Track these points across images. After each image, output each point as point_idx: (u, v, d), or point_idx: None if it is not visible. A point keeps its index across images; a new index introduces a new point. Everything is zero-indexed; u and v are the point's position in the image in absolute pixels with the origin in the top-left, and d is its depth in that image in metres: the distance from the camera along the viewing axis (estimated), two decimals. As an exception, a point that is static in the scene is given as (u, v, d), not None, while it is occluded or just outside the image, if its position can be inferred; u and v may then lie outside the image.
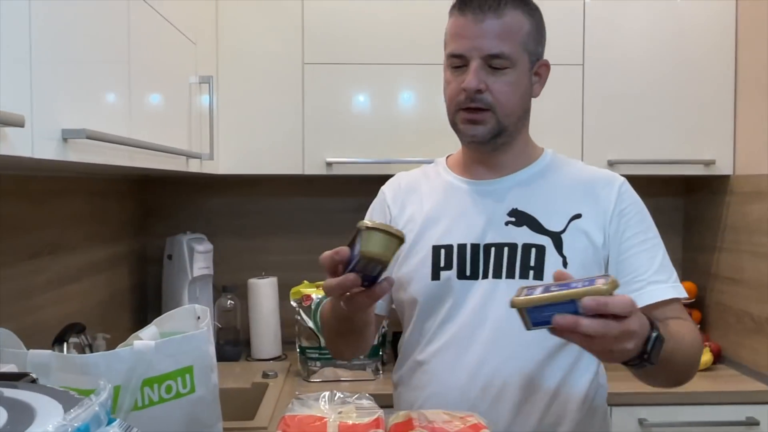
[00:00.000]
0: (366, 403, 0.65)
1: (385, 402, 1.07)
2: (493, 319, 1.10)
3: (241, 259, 2.31)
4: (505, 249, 1.12)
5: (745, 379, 1.95)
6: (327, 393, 0.67)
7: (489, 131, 1.12)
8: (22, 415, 0.51)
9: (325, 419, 0.63)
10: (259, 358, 2.13)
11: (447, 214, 1.17)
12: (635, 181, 2.44)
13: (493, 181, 1.19)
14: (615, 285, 0.79)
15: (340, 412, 0.64)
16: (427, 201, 1.20)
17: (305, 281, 2.02)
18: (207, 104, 1.78)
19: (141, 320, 2.13)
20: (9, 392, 0.59)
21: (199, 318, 1.04)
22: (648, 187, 2.36)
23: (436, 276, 1.14)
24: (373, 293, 0.90)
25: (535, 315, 0.81)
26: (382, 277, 0.90)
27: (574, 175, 1.20)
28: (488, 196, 1.17)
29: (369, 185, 2.37)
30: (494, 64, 1.10)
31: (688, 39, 2.07)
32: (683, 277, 2.37)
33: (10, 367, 0.81)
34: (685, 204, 2.40)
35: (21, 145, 0.78)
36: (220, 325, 2.12)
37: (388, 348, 2.09)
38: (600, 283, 0.79)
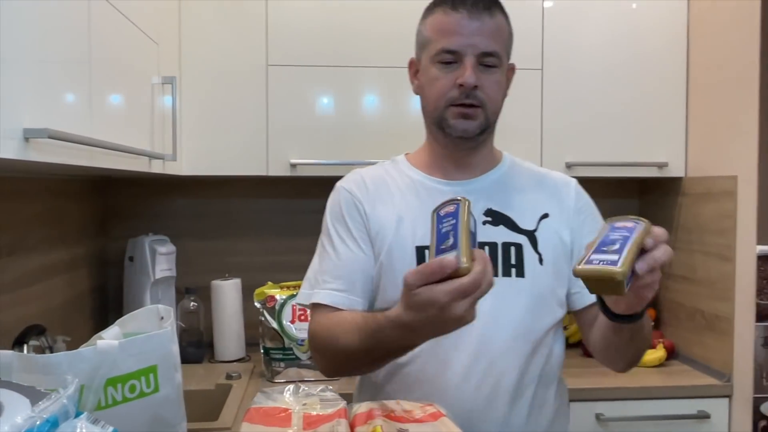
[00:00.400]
0: (330, 395, 0.67)
1: (350, 399, 1.09)
2: (481, 316, 1.10)
3: (205, 261, 2.30)
4: (486, 248, 1.13)
5: (697, 374, 2.02)
6: (291, 386, 0.68)
7: (478, 127, 1.14)
8: (-11, 410, 0.52)
9: (289, 410, 0.64)
10: (222, 360, 2.12)
11: (422, 214, 1.13)
12: (592, 182, 2.50)
13: (466, 181, 1.20)
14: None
15: (304, 404, 0.65)
16: (400, 199, 1.18)
17: (269, 282, 2.02)
18: (170, 105, 1.77)
19: (102, 323, 2.11)
20: (-27, 390, 0.59)
21: (162, 318, 1.03)
22: (604, 188, 2.42)
23: None
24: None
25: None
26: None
27: (534, 177, 1.25)
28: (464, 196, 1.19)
29: (333, 187, 2.39)
30: (486, 62, 1.12)
31: (642, 45, 2.14)
32: (639, 276, 2.44)
33: (-29, 368, 0.80)
34: (639, 205, 2.48)
35: (-18, 144, 0.77)
36: (183, 325, 2.10)
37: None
38: (637, 226, 0.85)
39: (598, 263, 0.80)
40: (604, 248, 0.82)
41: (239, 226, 2.34)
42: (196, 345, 2.14)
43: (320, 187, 2.29)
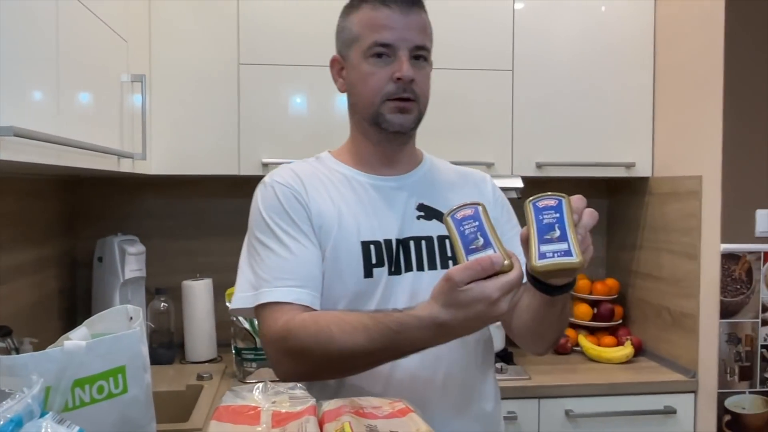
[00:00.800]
0: (299, 392, 0.67)
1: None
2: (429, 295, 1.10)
3: (175, 261, 2.28)
4: (423, 242, 1.15)
5: (664, 370, 2.06)
6: (261, 384, 0.68)
7: (413, 121, 1.15)
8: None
9: (258, 408, 0.64)
10: (193, 361, 2.11)
11: (363, 209, 1.15)
12: (562, 182, 2.54)
13: (397, 177, 1.20)
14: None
15: (273, 402, 0.65)
16: (336, 194, 1.16)
17: (241, 282, 2.01)
18: (139, 103, 1.75)
19: (70, 325, 2.08)
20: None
21: (131, 318, 1.02)
22: (574, 188, 2.45)
23: (368, 273, 1.11)
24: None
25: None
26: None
27: (454, 173, 1.28)
28: (397, 192, 1.18)
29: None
30: (418, 57, 1.13)
31: (610, 48, 2.17)
32: (606, 274, 2.48)
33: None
34: (608, 205, 2.52)
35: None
36: (153, 326, 2.08)
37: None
38: (560, 203, 0.90)
39: (554, 256, 0.83)
40: (547, 237, 0.85)
41: (210, 225, 2.33)
42: (167, 346, 2.12)
43: (292, 186, 2.30)
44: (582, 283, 2.35)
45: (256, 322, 1.91)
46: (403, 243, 1.14)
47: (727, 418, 1.88)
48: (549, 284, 0.95)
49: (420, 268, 1.14)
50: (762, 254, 1.87)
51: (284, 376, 1.05)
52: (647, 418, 1.94)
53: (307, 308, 1.07)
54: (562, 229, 0.85)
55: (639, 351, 2.20)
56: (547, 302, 1.00)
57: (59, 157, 1.20)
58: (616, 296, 2.34)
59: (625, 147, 2.19)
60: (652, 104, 2.20)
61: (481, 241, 0.86)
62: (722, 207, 1.86)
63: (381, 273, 1.12)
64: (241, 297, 1.12)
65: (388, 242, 1.13)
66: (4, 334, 1.32)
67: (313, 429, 0.61)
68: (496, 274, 0.84)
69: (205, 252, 2.31)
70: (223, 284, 2.05)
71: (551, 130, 2.15)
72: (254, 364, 1.93)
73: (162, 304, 2.14)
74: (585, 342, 2.22)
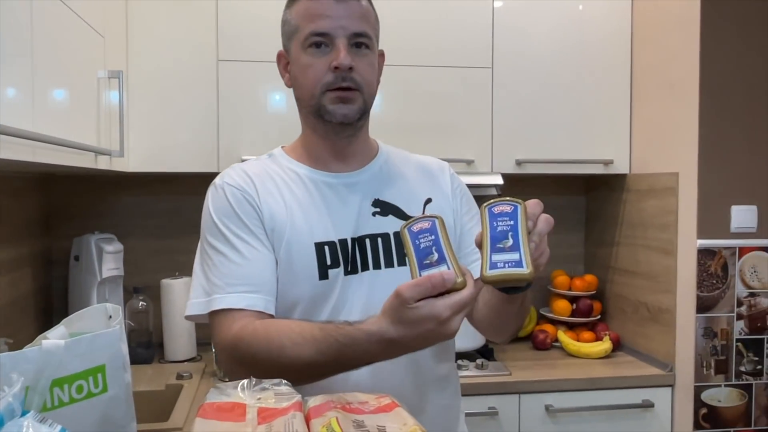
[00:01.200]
0: (284, 388, 0.66)
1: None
2: (381, 308, 1.07)
3: (154, 260, 2.25)
4: (379, 239, 1.13)
5: (642, 364, 2.09)
6: (245, 381, 0.68)
7: (357, 111, 1.11)
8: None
9: (244, 405, 0.63)
10: (173, 360, 2.09)
11: (316, 209, 1.12)
12: (542, 179, 2.55)
13: (351, 173, 1.17)
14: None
15: (259, 398, 0.65)
16: (288, 194, 1.13)
17: (221, 280, 1.99)
18: (117, 100, 1.73)
19: (46, 325, 2.04)
20: None
21: (110, 317, 1.01)
22: (553, 185, 2.50)
23: (324, 275, 1.09)
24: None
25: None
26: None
27: (411, 163, 1.24)
28: (351, 189, 1.15)
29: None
30: (358, 44, 1.10)
31: (588, 46, 2.19)
32: (585, 270, 2.51)
33: None
34: (586, 201, 2.54)
35: None
36: (132, 324, 2.06)
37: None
38: (516, 209, 0.89)
39: (504, 266, 0.83)
40: (500, 245, 0.84)
41: (189, 223, 2.28)
42: (146, 345, 2.10)
43: (272, 184, 2.29)
44: (561, 279, 2.37)
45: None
46: (359, 241, 1.12)
47: (704, 411, 1.91)
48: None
49: (377, 266, 1.12)
50: (737, 249, 1.91)
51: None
52: (626, 412, 1.96)
53: (261, 314, 1.05)
54: (515, 237, 0.84)
55: (617, 346, 2.22)
56: (506, 300, 1.00)
57: (34, 153, 1.18)
58: (594, 292, 2.36)
59: (603, 144, 2.21)
60: (630, 102, 2.22)
61: (435, 256, 0.85)
62: (698, 203, 1.89)
63: (336, 274, 1.10)
64: (194, 303, 1.10)
65: (343, 242, 1.11)
66: (-21, 335, 1.29)
67: (300, 425, 0.61)
68: (449, 291, 0.82)
69: (184, 250, 2.27)
70: (203, 283, 2.03)
71: (530, 128, 2.17)
72: (234, 363, 1.91)
73: (140, 303, 2.11)
74: (564, 338, 2.24)
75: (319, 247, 1.09)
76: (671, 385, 1.98)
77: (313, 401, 0.67)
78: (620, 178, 2.27)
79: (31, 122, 1.14)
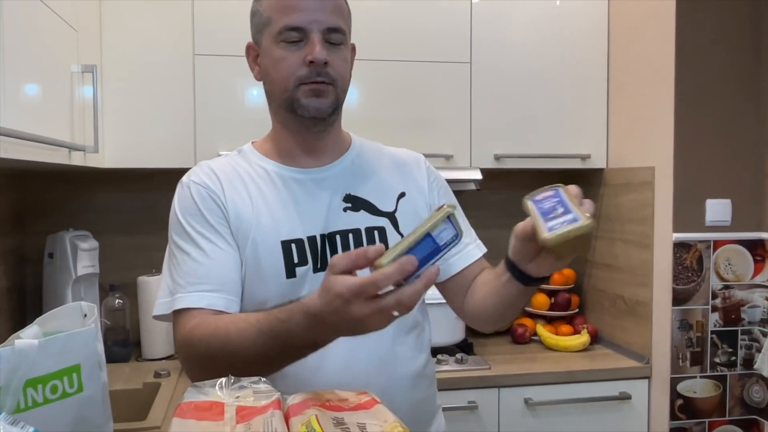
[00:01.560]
0: (263, 386, 0.66)
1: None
2: None
3: (130, 257, 2.23)
4: (350, 235, 1.11)
5: (619, 357, 2.11)
6: (223, 379, 0.67)
7: (330, 105, 1.09)
8: None
9: (222, 404, 0.63)
10: (150, 358, 2.07)
11: (283, 206, 1.10)
12: (520, 174, 2.56)
13: (321, 168, 1.15)
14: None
15: (237, 397, 0.64)
16: (255, 191, 1.11)
17: (198, 277, 1.98)
18: (91, 95, 1.70)
19: (19, 324, 2.01)
20: None
21: (86, 316, 1.00)
22: (532, 180, 2.49)
23: (291, 273, 1.07)
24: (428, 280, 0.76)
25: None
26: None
27: (385, 157, 1.23)
28: (321, 184, 1.13)
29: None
30: (332, 39, 1.08)
31: (565, 42, 2.20)
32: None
33: None
34: (565, 196, 2.55)
35: None
36: (108, 322, 2.03)
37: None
38: (558, 191, 0.86)
39: (562, 225, 0.79)
40: (551, 216, 0.81)
41: (166, 220, 2.26)
42: (122, 343, 2.07)
43: (250, 179, 2.27)
44: (539, 273, 2.38)
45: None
46: (329, 238, 1.10)
47: (680, 402, 1.94)
48: (527, 275, 0.95)
49: None
50: (711, 243, 1.93)
51: (194, 382, 1.01)
52: (604, 404, 1.98)
53: (221, 313, 1.03)
54: (565, 206, 0.82)
55: (595, 339, 2.25)
56: (521, 291, 1.00)
57: (6, 149, 1.15)
58: (572, 286, 2.38)
59: (580, 139, 2.23)
60: (607, 98, 2.24)
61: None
62: (674, 197, 1.91)
63: (305, 272, 1.08)
64: (159, 303, 1.08)
65: (311, 239, 1.09)
66: (-50, 335, 1.27)
67: (279, 423, 0.60)
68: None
69: (161, 247, 2.23)
70: (180, 280, 2.01)
71: (509, 123, 2.18)
72: (213, 360, 1.90)
73: (117, 300, 2.09)
74: (543, 331, 2.25)
75: (286, 245, 1.08)
76: (648, 377, 2.01)
77: (293, 399, 0.66)
78: (597, 172, 2.29)
79: (2, 118, 1.12)
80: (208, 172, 1.13)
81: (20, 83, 1.26)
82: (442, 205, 0.77)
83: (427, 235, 0.75)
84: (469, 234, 1.22)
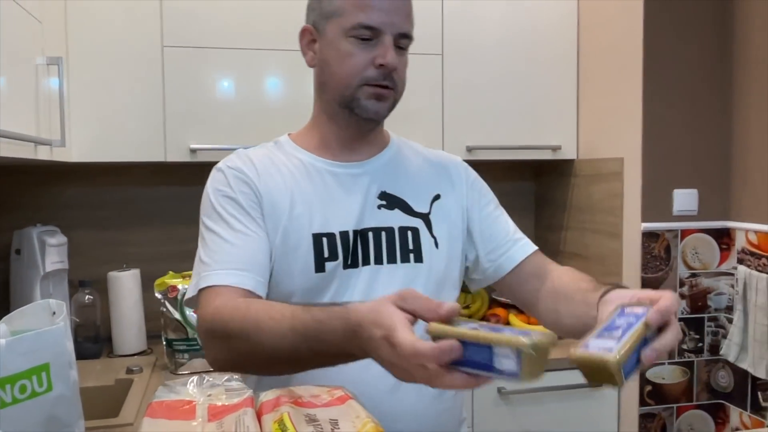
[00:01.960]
0: (235, 384, 0.65)
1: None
2: None
3: (100, 252, 2.20)
4: (383, 233, 1.09)
5: (590, 345, 2.14)
6: (195, 377, 0.66)
7: (388, 109, 1.10)
8: None
9: (194, 402, 0.62)
10: (122, 354, 2.04)
11: (318, 199, 1.08)
12: (492, 165, 2.58)
13: (358, 163, 1.13)
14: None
15: (209, 395, 0.64)
16: (290, 182, 1.09)
17: (170, 272, 1.96)
18: (56, 87, 1.67)
19: (-14, 321, 1.97)
20: None
21: (54, 313, 0.98)
22: (503, 171, 2.53)
23: (320, 268, 1.05)
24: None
25: None
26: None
27: (422, 157, 1.22)
28: (357, 179, 1.12)
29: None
30: (401, 44, 1.07)
31: (536, 33, 2.22)
32: (536, 255, 2.55)
33: None
34: (535, 187, 2.59)
35: None
36: (77, 320, 2.00)
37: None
38: (646, 312, 0.78)
39: (598, 348, 0.72)
40: (606, 333, 0.75)
41: (136, 214, 2.25)
42: (93, 340, 2.04)
43: (222, 173, 2.25)
44: (512, 263, 2.41)
45: (188, 313, 1.87)
46: (361, 234, 1.08)
47: (649, 388, 1.98)
48: None
49: (378, 261, 1.08)
50: (679, 232, 1.97)
51: (212, 363, 0.98)
52: (575, 392, 2.01)
53: (249, 293, 0.99)
54: (625, 332, 0.75)
55: (566, 328, 2.27)
56: None
57: (-31, 145, 1.12)
58: (544, 276, 2.41)
59: (551, 131, 2.25)
60: (576, 90, 2.26)
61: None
62: (642, 187, 1.95)
63: (334, 267, 1.06)
64: (190, 287, 1.06)
65: (344, 234, 1.07)
66: None
67: (251, 421, 0.60)
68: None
69: (131, 242, 2.24)
70: (152, 275, 1.99)
71: (481, 114, 2.19)
72: (186, 355, 1.88)
73: (87, 296, 2.06)
74: (515, 320, 2.27)
75: (317, 238, 1.06)
76: (618, 365, 2.04)
77: (265, 396, 0.66)
78: (568, 163, 2.31)
79: (-36, 112, 1.09)
80: (245, 159, 1.11)
81: (-17, 76, 1.23)
82: (523, 336, 0.67)
83: (489, 347, 0.68)
84: (517, 230, 1.21)
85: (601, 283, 1.04)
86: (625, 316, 0.79)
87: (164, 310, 1.89)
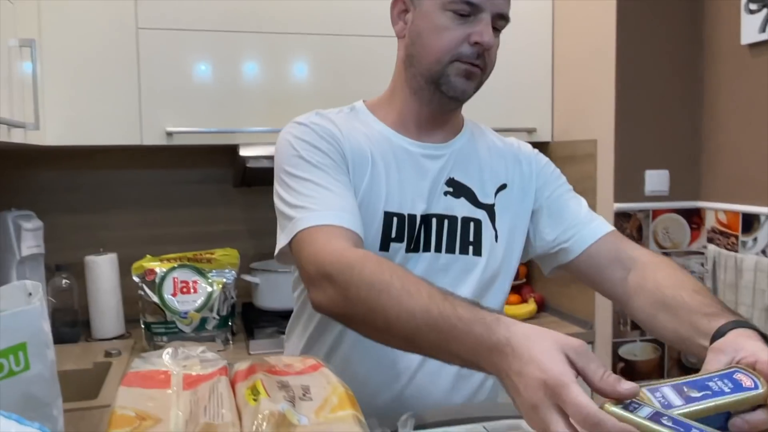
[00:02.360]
0: (210, 355, 0.67)
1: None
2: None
3: (77, 236, 2.19)
4: (446, 221, 1.06)
5: (564, 323, 2.19)
6: (170, 349, 0.68)
7: (474, 89, 1.07)
8: None
9: (169, 372, 0.64)
10: (100, 338, 2.04)
11: (394, 176, 1.04)
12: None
13: (436, 146, 1.10)
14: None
15: (184, 366, 0.65)
16: (372, 153, 1.05)
17: (148, 255, 1.96)
18: (30, 70, 1.65)
19: (-38, 306, 1.96)
20: None
21: (30, 294, 0.99)
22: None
23: (385, 247, 1.02)
24: None
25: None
26: None
27: (493, 144, 1.18)
28: (431, 163, 1.08)
29: (212, 156, 2.33)
30: (498, 25, 1.05)
31: (513, 20, 2.21)
32: (512, 237, 2.59)
33: None
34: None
35: None
36: (54, 300, 2.00)
37: (238, 318, 2.10)
38: (753, 389, 0.68)
39: (642, 414, 0.61)
40: (684, 388, 0.67)
41: (113, 198, 2.24)
42: (71, 324, 2.04)
43: (198, 156, 2.25)
44: (488, 245, 2.44)
45: (166, 296, 1.87)
46: (425, 219, 1.05)
47: (621, 365, 2.03)
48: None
49: (438, 249, 1.06)
50: (650, 212, 2.01)
51: (318, 306, 0.90)
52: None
53: (354, 234, 0.93)
54: (706, 397, 0.67)
55: (542, 307, 2.32)
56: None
57: (-59, 126, 1.12)
58: (520, 257, 2.44)
59: (526, 113, 2.27)
60: (551, 73, 2.28)
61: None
62: (615, 169, 1.98)
63: (398, 249, 1.03)
64: (280, 238, 0.98)
65: (411, 217, 1.04)
66: None
67: (225, 389, 0.62)
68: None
69: (108, 226, 2.23)
70: (129, 258, 1.99)
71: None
72: (165, 338, 1.89)
73: (63, 281, 2.05)
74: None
75: (389, 216, 1.03)
76: (592, 342, 2.09)
77: (239, 366, 0.68)
78: (543, 145, 2.34)
79: (-66, 93, 1.09)
80: (326, 118, 1.07)
81: (-47, 58, 1.22)
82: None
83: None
84: (590, 211, 1.15)
85: (707, 297, 0.91)
86: (726, 379, 0.69)
87: (142, 293, 1.90)
